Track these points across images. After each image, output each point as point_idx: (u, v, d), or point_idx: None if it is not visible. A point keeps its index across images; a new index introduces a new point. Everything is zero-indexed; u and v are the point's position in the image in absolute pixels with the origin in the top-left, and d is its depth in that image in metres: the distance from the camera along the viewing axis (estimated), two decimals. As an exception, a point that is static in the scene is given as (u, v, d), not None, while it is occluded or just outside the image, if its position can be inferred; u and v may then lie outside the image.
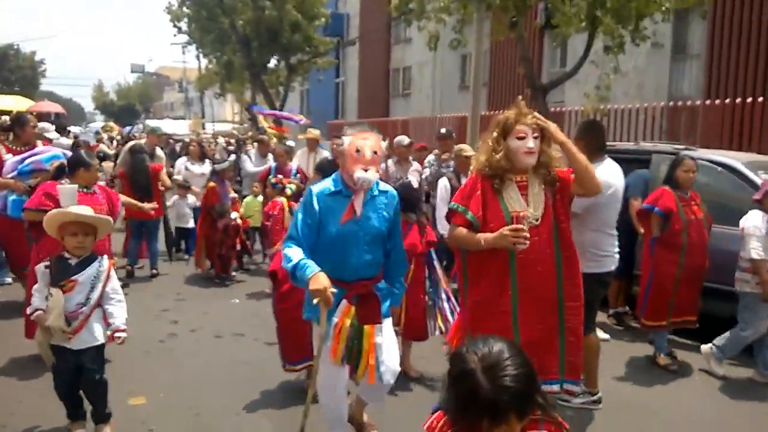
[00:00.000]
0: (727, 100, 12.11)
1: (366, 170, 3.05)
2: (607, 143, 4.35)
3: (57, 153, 5.99)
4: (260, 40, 23.03)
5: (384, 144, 7.86)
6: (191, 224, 8.92)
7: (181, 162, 9.48)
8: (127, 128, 27.60)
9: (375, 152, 3.10)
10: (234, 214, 7.96)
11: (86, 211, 3.68)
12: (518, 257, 3.04)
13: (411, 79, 26.95)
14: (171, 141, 18.51)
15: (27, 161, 5.81)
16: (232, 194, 8.31)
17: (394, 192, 3.32)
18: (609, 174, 3.89)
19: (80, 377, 3.54)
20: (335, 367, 3.17)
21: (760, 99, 11.48)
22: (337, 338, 3.09)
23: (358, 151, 3.06)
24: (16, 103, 16.09)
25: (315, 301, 2.98)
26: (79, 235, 3.51)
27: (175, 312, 6.40)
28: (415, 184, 7.57)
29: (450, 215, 3.26)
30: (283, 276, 3.80)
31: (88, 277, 3.51)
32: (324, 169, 7.66)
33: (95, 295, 3.51)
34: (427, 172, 7.99)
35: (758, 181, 5.20)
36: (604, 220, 3.88)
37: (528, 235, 2.95)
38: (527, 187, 3.14)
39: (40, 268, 3.55)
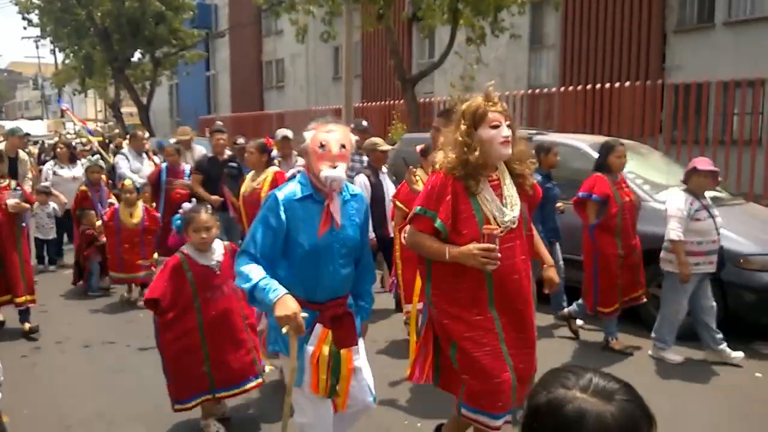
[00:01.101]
0: (580, 87, 13.09)
1: (334, 167, 2.66)
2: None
3: None
4: (121, 32, 21.88)
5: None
6: (52, 236, 8.32)
7: (49, 166, 8.76)
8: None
9: (343, 146, 2.72)
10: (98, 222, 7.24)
11: None
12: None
13: (284, 72, 26.71)
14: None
15: None
16: (112, 200, 7.62)
17: (363, 194, 2.97)
18: None
19: None
20: (319, 401, 2.75)
21: (608, 85, 12.53)
22: (316, 369, 2.68)
23: (322, 146, 2.68)
24: None
25: (284, 330, 2.53)
26: None
27: (39, 324, 6.00)
28: None
29: (414, 219, 2.89)
30: (166, 304, 3.48)
31: None
32: (203, 168, 7.15)
33: None
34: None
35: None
36: None
37: (498, 255, 2.69)
38: (500, 185, 2.84)
39: None
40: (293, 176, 6.05)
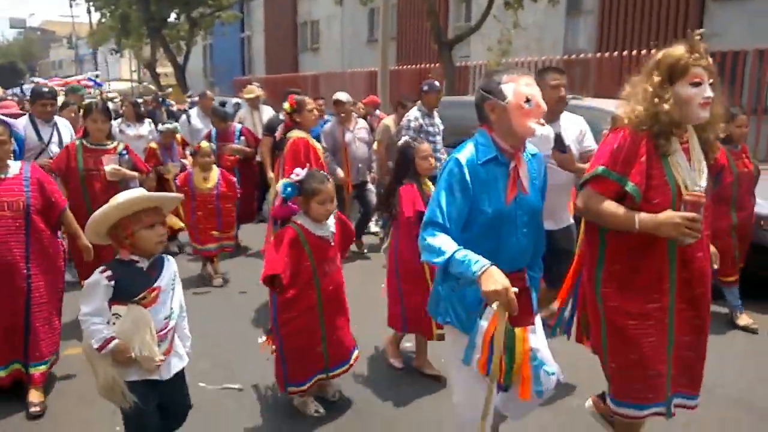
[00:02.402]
0: (616, 53, 13.10)
1: (542, 124, 2.40)
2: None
3: None
4: (159, -8, 22.19)
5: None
6: None
7: (116, 125, 8.50)
8: (9, 91, 25.88)
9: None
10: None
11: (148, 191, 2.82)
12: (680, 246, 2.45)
13: (319, 34, 26.80)
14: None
15: None
16: (184, 161, 7.30)
17: (541, 154, 2.65)
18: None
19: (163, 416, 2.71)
20: (476, 380, 2.49)
21: (645, 51, 12.52)
22: (486, 348, 2.40)
23: (528, 100, 2.38)
24: None
25: (494, 306, 2.24)
26: (157, 225, 2.63)
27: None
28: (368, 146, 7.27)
29: (594, 181, 2.51)
30: (287, 280, 3.23)
31: (168, 282, 2.67)
32: (274, 129, 6.43)
33: (176, 304, 2.72)
34: (410, 132, 6.62)
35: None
36: None
37: (701, 227, 2.37)
38: (689, 149, 2.49)
39: (100, 281, 2.54)
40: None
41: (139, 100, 12.47)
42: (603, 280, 2.57)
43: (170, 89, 22.58)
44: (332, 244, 3.41)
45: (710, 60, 2.46)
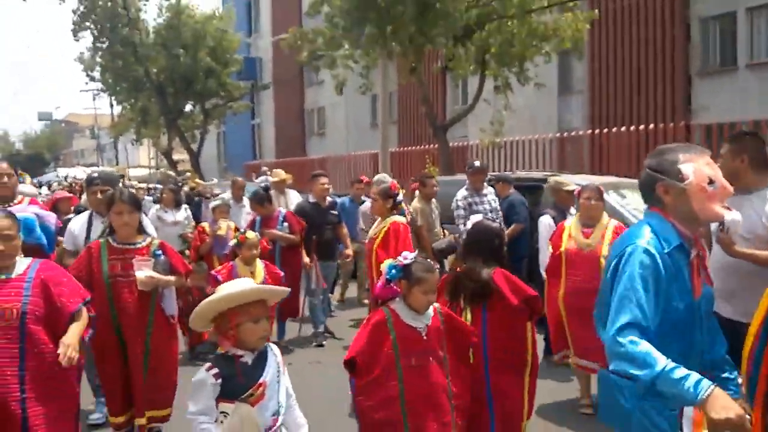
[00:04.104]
0: (606, 129, 13.61)
1: (728, 207, 2.18)
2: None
3: (23, 216, 4.00)
4: (175, 86, 23.43)
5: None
6: None
7: (153, 211, 8.33)
8: (38, 178, 26.99)
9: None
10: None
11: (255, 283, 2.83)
12: None
13: (325, 119, 27.92)
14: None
15: None
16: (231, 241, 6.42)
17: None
18: None
19: None
20: None
21: (634, 127, 13.01)
22: None
23: (711, 182, 2.14)
24: None
25: None
26: (262, 320, 2.56)
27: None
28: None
29: None
30: (362, 364, 3.03)
31: (274, 375, 2.57)
32: (306, 213, 6.52)
33: (283, 396, 2.60)
34: (460, 211, 6.76)
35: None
36: None
37: None
38: None
39: (207, 380, 2.47)
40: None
41: (159, 186, 12.78)
42: None
43: (188, 173, 23.47)
44: (424, 337, 3.08)
45: None
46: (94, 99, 48.55)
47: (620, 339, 2.03)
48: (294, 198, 8.14)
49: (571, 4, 12.37)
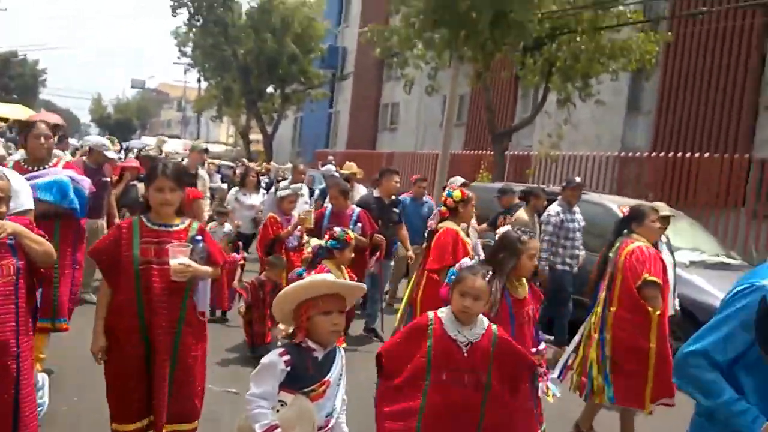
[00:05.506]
0: (670, 153, 13.59)
1: None
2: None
3: (58, 178, 4.29)
4: (259, 69, 24.58)
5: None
6: None
7: (233, 193, 8.49)
8: (126, 143, 28.87)
9: None
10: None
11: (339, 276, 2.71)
12: None
13: (398, 115, 28.52)
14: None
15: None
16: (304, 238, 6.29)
17: None
18: None
19: None
20: None
21: (698, 154, 12.97)
22: None
23: None
24: (13, 111, 14.64)
25: None
26: (334, 313, 2.51)
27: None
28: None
29: None
30: (390, 368, 2.89)
31: (337, 376, 2.57)
32: (369, 208, 6.23)
33: (339, 400, 2.58)
34: (549, 227, 6.75)
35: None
36: None
37: None
38: None
39: (277, 364, 2.45)
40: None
41: (230, 165, 13.11)
42: None
43: (257, 155, 24.66)
44: (465, 354, 2.82)
45: None
46: (185, 72, 51.13)
47: (693, 361, 2.10)
48: (361, 191, 8.06)
49: (647, 25, 12.48)
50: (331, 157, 15.17)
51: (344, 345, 3.28)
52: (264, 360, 2.49)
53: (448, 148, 14.05)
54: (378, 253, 6.25)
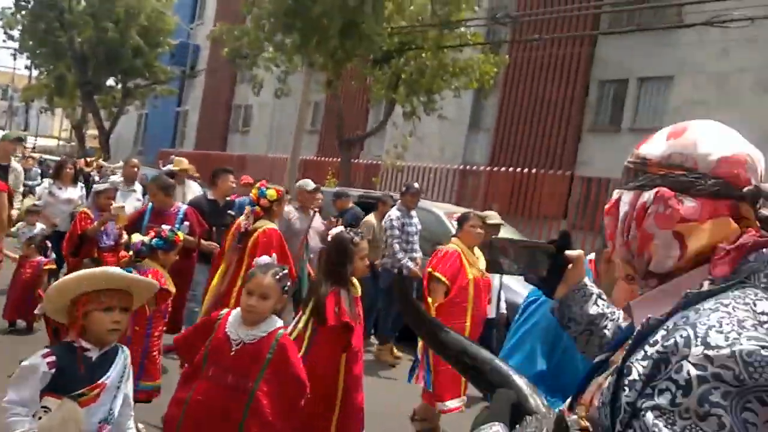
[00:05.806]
0: (504, 168, 14.58)
1: None
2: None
3: None
4: (98, 59, 22.92)
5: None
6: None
7: (45, 186, 7.81)
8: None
9: None
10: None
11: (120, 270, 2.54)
12: None
13: (251, 117, 27.96)
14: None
15: None
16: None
17: None
18: None
19: None
20: None
21: (527, 170, 14.04)
22: None
23: None
24: None
25: None
26: (116, 311, 2.30)
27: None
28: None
29: None
30: (182, 350, 3.07)
31: (116, 379, 2.33)
32: (201, 210, 5.78)
33: (118, 405, 2.36)
34: (395, 230, 6.95)
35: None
36: None
37: None
38: None
39: (39, 367, 2.19)
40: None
41: (53, 159, 12.27)
42: None
43: (94, 152, 22.92)
44: (232, 353, 2.71)
45: None
46: (14, 58, 46.44)
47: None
48: (194, 191, 7.59)
49: (488, 47, 13.28)
50: (173, 156, 14.46)
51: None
52: (24, 363, 2.24)
53: (298, 153, 13.97)
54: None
